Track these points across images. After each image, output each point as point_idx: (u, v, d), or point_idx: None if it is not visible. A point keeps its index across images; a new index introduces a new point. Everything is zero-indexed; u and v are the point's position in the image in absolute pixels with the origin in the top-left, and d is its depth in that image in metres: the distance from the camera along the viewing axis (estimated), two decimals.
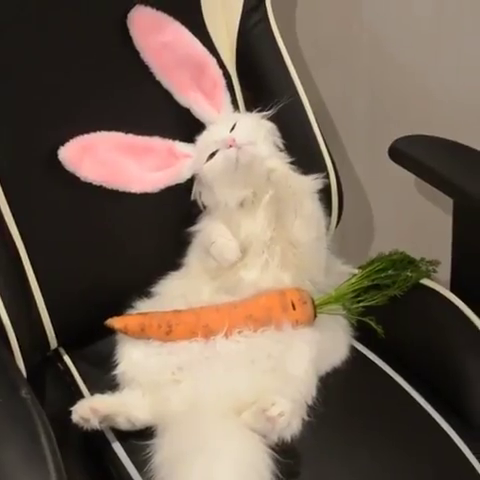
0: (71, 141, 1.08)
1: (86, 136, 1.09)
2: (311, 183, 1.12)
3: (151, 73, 1.15)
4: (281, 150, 1.15)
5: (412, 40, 1.42)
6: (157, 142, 1.14)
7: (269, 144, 1.13)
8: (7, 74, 1.06)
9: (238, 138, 1.08)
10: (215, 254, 1.08)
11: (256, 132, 1.11)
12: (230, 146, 1.08)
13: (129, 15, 1.13)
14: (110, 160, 1.10)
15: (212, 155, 1.10)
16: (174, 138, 1.15)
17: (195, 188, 1.15)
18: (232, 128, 1.10)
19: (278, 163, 1.11)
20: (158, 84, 1.15)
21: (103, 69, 1.13)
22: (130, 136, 1.12)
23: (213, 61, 1.17)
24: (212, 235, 1.10)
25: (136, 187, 1.11)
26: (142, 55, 1.14)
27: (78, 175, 1.08)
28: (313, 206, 1.11)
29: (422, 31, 1.40)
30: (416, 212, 1.54)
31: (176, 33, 1.15)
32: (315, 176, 1.13)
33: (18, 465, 0.78)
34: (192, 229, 1.14)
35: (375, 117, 1.54)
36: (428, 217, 1.50)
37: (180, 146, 1.14)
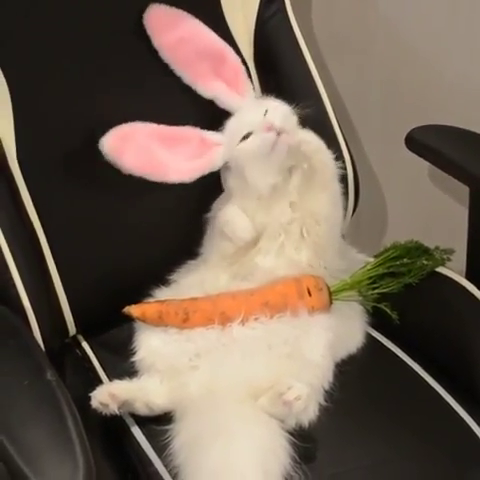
0: (111, 130, 1.06)
1: (124, 126, 1.08)
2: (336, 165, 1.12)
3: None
4: None
5: (427, 30, 1.42)
6: (189, 131, 1.13)
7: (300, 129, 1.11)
8: (28, 73, 1.07)
9: (276, 122, 1.07)
10: (229, 232, 1.08)
11: (289, 117, 1.10)
12: (268, 130, 1.06)
13: (144, 16, 1.13)
14: (148, 150, 1.09)
15: (244, 139, 1.08)
16: (202, 128, 1.14)
17: (222, 175, 1.14)
18: (265, 113, 1.09)
19: (312, 136, 1.10)
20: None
21: (124, 62, 1.13)
22: (163, 126, 1.11)
23: (231, 49, 1.16)
24: (226, 215, 1.10)
25: (173, 177, 1.10)
26: (161, 54, 1.14)
27: (119, 165, 1.06)
28: (338, 185, 1.12)
29: (437, 21, 1.41)
30: (430, 201, 1.54)
31: (192, 27, 1.15)
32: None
33: (45, 446, 0.79)
34: (208, 215, 1.14)
35: (390, 106, 1.54)
36: (442, 206, 1.51)
37: (210, 134, 1.13)
